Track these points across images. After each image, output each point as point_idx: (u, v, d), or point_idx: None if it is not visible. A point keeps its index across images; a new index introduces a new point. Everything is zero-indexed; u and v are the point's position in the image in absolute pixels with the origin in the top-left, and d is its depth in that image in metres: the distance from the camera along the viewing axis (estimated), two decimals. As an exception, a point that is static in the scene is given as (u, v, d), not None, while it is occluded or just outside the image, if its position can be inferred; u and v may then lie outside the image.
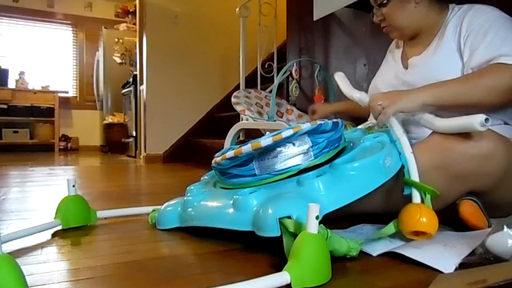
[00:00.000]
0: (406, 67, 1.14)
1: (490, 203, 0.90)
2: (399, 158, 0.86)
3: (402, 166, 0.85)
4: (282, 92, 2.51)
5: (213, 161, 0.91)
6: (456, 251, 0.72)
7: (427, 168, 0.88)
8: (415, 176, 0.82)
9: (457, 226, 0.88)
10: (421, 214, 0.76)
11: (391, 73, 1.20)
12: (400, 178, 0.88)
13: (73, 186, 1.01)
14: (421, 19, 1.08)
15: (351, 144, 0.94)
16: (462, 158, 0.85)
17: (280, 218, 0.70)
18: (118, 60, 4.70)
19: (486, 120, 0.77)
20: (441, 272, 0.65)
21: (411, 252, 0.73)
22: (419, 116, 0.91)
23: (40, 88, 5.20)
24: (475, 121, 0.77)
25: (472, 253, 0.71)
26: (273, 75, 2.59)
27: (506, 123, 1.00)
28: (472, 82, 0.93)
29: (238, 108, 1.82)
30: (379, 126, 0.95)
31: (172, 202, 1.01)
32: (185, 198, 0.96)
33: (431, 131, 0.97)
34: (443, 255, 0.71)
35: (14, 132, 4.94)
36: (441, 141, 0.86)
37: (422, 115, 0.90)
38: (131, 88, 3.75)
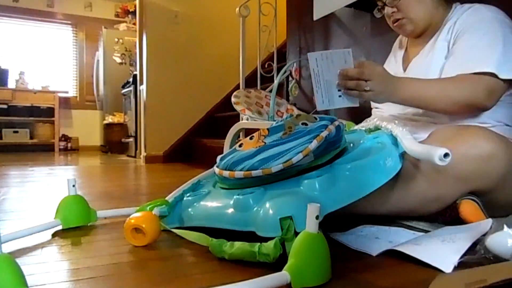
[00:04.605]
0: (405, 69, 1.13)
1: (491, 203, 0.90)
2: (400, 159, 0.86)
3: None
4: (282, 92, 2.51)
5: (217, 172, 0.91)
6: (455, 246, 0.72)
7: (428, 170, 0.88)
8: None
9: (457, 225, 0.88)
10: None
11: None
12: (400, 179, 0.88)
13: (73, 186, 1.01)
14: (434, 13, 1.06)
15: (351, 144, 0.94)
16: (463, 160, 0.85)
17: (280, 218, 0.70)
18: (118, 60, 4.70)
19: (446, 155, 0.75)
20: (441, 271, 0.65)
21: (410, 249, 0.73)
22: (395, 132, 0.90)
23: (40, 88, 5.20)
24: (435, 153, 0.76)
25: (471, 249, 0.71)
26: (273, 75, 2.59)
27: (507, 125, 0.99)
28: (445, 91, 0.94)
29: (238, 107, 1.82)
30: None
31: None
32: (184, 198, 0.96)
33: (430, 132, 0.97)
34: (442, 251, 0.71)
35: (14, 132, 4.94)
36: (442, 142, 0.86)
37: (398, 130, 0.90)
38: (131, 88, 3.75)
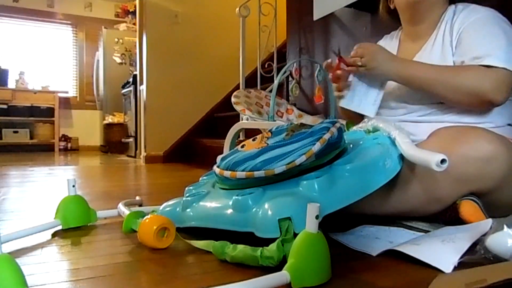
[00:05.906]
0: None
1: (491, 203, 0.90)
2: (399, 160, 0.86)
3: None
4: (282, 91, 2.51)
5: (218, 172, 0.90)
6: (455, 247, 0.72)
7: (428, 171, 0.87)
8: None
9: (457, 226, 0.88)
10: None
11: None
12: (400, 179, 0.88)
13: (73, 186, 1.01)
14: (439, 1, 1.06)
15: (351, 145, 0.94)
16: (464, 161, 0.84)
17: (279, 219, 0.70)
18: (118, 60, 4.70)
19: (443, 161, 0.74)
20: (441, 271, 0.65)
21: (410, 249, 0.73)
22: (394, 135, 0.90)
23: (40, 88, 5.21)
24: (432, 159, 0.75)
25: (471, 249, 0.71)
26: (273, 75, 2.59)
27: (510, 125, 0.99)
28: (447, 76, 0.94)
29: (238, 107, 1.82)
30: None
31: (170, 202, 1.00)
32: (183, 198, 0.96)
33: (429, 133, 0.97)
34: (442, 251, 0.71)
35: (14, 132, 4.95)
36: (443, 144, 0.85)
37: (395, 132, 0.90)
38: (131, 88, 3.75)
